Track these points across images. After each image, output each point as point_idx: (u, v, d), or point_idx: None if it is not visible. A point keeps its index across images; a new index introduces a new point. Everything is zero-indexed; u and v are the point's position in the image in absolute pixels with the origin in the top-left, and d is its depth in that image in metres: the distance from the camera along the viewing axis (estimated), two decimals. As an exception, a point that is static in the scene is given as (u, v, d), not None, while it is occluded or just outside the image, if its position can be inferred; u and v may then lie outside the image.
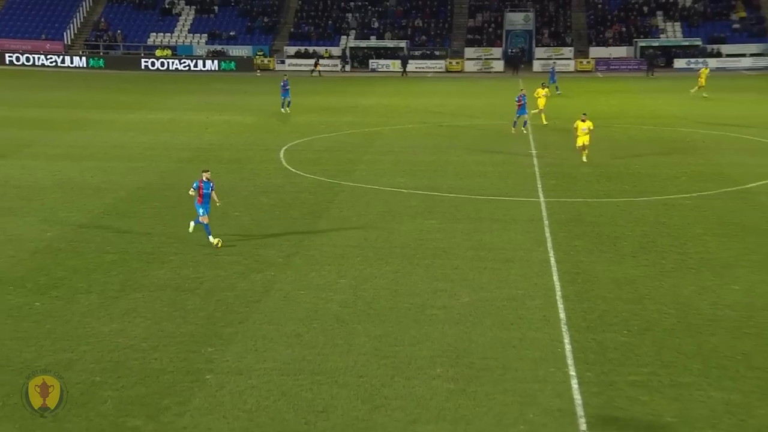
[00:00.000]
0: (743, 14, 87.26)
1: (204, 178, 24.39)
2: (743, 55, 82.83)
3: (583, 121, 36.46)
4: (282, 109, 53.58)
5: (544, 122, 47.56)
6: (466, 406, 15.31)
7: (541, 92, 48.55)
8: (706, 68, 65.27)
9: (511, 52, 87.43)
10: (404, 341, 18.04)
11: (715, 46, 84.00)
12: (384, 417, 14.90)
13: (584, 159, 36.56)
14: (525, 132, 44.27)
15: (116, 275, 22.43)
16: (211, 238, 24.31)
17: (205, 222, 24.21)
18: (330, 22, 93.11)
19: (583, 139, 36.32)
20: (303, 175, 35.00)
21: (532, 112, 46.50)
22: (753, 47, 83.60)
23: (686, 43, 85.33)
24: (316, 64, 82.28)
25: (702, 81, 60.45)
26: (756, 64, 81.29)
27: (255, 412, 15.09)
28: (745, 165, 35.76)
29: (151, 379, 16.10)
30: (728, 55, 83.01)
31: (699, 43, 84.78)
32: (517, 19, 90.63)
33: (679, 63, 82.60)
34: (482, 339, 18.24)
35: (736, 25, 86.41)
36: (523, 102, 43.97)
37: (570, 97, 62.29)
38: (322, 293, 21.05)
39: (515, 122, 44.56)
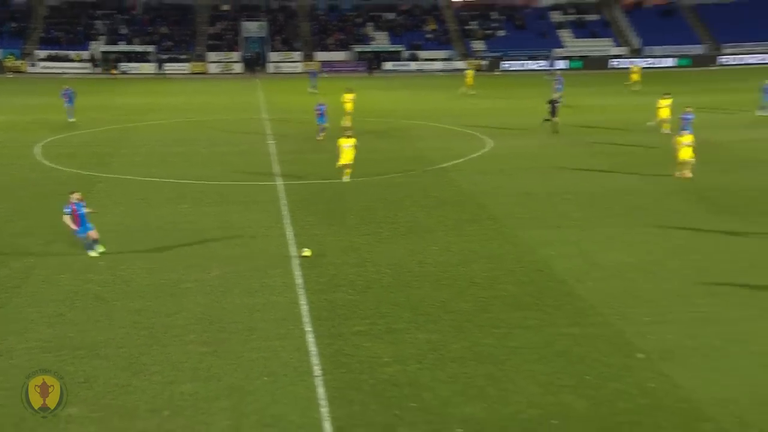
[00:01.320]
0: (434, 27, 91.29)
1: (75, 200, 21.11)
2: (436, 60, 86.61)
3: (348, 138, 30.51)
4: (70, 119, 46.44)
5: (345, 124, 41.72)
6: (217, 365, 15.10)
7: (348, 97, 44.49)
8: (471, 70, 67.87)
9: (249, 56, 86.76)
10: (161, 313, 17.53)
11: (414, 52, 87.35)
12: (143, 381, 14.41)
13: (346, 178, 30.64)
14: (320, 139, 38.73)
15: None
16: (98, 248, 21.32)
17: (95, 238, 21.20)
18: (80, 28, 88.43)
19: (347, 158, 30.20)
20: (60, 168, 33.09)
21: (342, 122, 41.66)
22: (442, 53, 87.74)
23: (392, 49, 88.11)
24: (112, 69, 79.11)
25: (469, 81, 62.96)
26: (446, 66, 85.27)
27: (18, 389, 14.09)
28: (440, 149, 37.35)
29: None
30: (424, 60, 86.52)
31: (402, 49, 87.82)
32: (253, 27, 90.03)
33: (387, 65, 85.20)
34: (231, 306, 18.05)
35: (429, 35, 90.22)
36: (321, 111, 39.25)
37: (302, 95, 62.75)
38: (82, 275, 20.01)
39: (320, 130, 39.17)
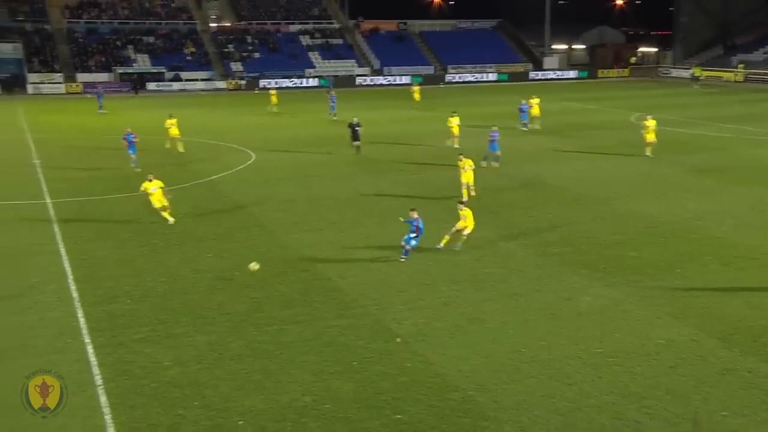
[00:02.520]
0: (193, 49, 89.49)
1: None
2: (197, 80, 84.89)
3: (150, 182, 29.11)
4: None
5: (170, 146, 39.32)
6: (-6, 384, 13.89)
7: (171, 122, 39.64)
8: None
9: (5, 77, 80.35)
10: (-71, 337, 15.83)
11: (175, 73, 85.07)
12: None
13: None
14: (138, 170, 32.15)
15: None
16: None
17: None
18: None
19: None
20: None
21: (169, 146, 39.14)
22: (204, 74, 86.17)
23: (155, 70, 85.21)
24: None
25: (273, 100, 60.10)
26: (207, 86, 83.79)
27: None
28: (206, 162, 36.62)
29: None
30: (187, 80, 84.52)
31: (164, 70, 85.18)
32: (7, 49, 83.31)
33: (151, 86, 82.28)
34: (5, 324, 16.71)
35: (189, 57, 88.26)
36: (129, 141, 33.61)
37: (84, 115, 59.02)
38: None
39: (132, 162, 33.43)
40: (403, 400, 13.45)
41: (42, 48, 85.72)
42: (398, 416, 12.95)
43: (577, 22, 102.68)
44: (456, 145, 38.61)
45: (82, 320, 16.95)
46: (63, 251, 22.12)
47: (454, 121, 40.68)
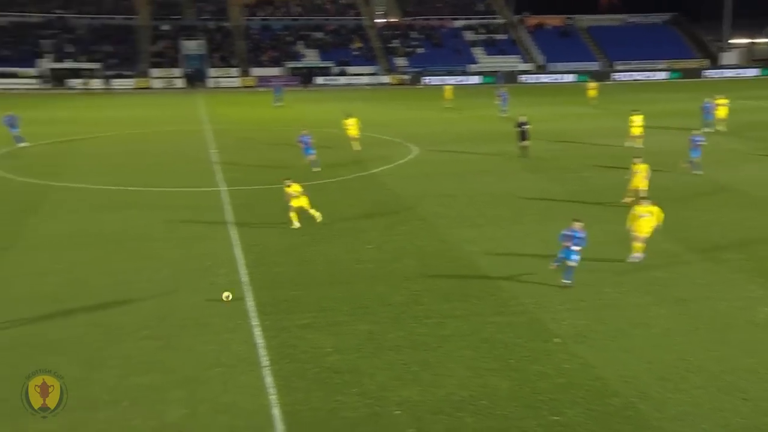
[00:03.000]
0: (360, 44, 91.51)
1: None
2: (363, 75, 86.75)
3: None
4: (19, 144, 40.59)
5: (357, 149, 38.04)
6: (171, 358, 14.82)
7: (350, 122, 38.71)
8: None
9: (190, 72, 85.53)
10: (115, 312, 17.11)
11: (342, 68, 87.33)
12: (102, 375, 14.07)
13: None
14: (317, 170, 32.50)
15: None
16: None
17: None
18: (26, 46, 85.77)
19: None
20: (14, 178, 32.04)
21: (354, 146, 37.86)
22: (369, 69, 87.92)
23: (323, 65, 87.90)
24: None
25: (448, 95, 60.50)
26: (372, 80, 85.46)
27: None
28: (370, 155, 37.24)
29: None
30: (353, 74, 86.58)
31: (331, 65, 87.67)
32: (192, 46, 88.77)
33: (319, 80, 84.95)
34: (182, 303, 17.73)
35: (355, 53, 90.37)
36: (305, 142, 33.15)
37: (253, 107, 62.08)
38: (39, 278, 19.42)
39: (311, 164, 32.90)
40: (560, 402, 13.16)
41: (222, 44, 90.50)
42: (555, 418, 12.68)
43: (762, 15, 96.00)
44: (638, 146, 36.47)
45: (250, 303, 17.71)
46: (234, 237, 23.22)
47: (637, 120, 37.98)
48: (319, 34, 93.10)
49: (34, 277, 19.44)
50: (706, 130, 40.94)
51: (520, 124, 36.15)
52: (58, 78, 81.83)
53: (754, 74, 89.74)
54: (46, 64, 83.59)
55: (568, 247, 18.30)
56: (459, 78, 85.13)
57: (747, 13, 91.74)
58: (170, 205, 27.29)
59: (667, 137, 40.48)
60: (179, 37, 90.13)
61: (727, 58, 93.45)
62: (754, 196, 27.99)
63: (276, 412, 12.86)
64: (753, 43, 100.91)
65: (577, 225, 18.55)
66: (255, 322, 16.61)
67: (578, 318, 16.74)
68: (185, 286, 18.85)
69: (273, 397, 13.33)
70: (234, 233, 23.62)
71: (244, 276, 19.62)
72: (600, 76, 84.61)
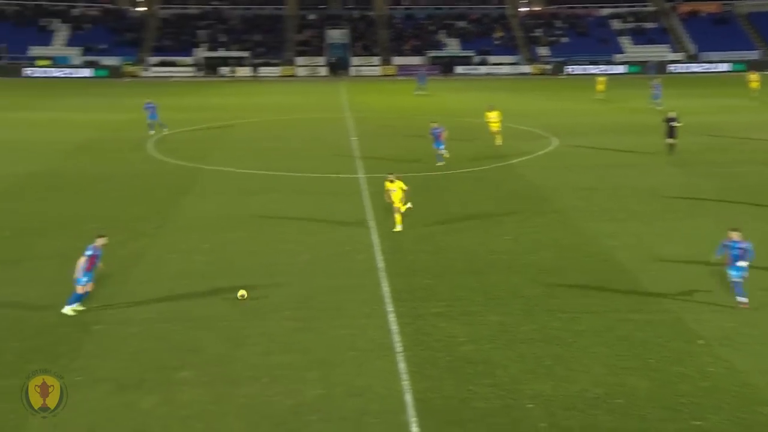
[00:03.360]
0: (501, 34, 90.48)
1: (99, 245, 16.43)
2: (504, 64, 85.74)
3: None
4: (151, 131, 41.25)
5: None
6: (309, 339, 15.24)
7: (492, 115, 36.88)
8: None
9: (333, 60, 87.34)
10: (258, 292, 17.75)
11: (483, 57, 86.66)
12: (244, 352, 14.66)
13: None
14: (440, 164, 31.53)
15: (12, 248, 21.05)
16: (77, 305, 16.32)
17: (88, 290, 16.30)
18: (185, 37, 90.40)
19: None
20: (169, 161, 33.81)
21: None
22: (510, 58, 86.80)
23: (463, 54, 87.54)
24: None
25: (600, 87, 58.27)
26: (512, 70, 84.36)
27: (137, 353, 14.57)
28: (508, 146, 36.77)
29: (48, 331, 15.20)
30: (493, 64, 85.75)
31: (472, 54, 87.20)
32: (336, 35, 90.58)
33: (459, 69, 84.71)
34: (320, 287, 18.18)
35: (497, 42, 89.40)
36: (436, 135, 31.71)
37: (365, 93, 62.83)
38: (188, 256, 20.46)
39: (437, 157, 31.88)
40: (703, 407, 12.59)
41: (365, 33, 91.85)
42: (697, 422, 12.15)
43: None
44: None
45: (386, 290, 17.95)
46: (372, 223, 23.57)
47: None
48: (461, 23, 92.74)
49: (184, 255, 20.48)
50: None
51: (669, 120, 33.89)
52: (210, 66, 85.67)
53: None
54: (201, 53, 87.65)
55: (732, 264, 16.28)
56: (603, 68, 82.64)
57: None
58: (311, 191, 28.02)
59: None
60: (324, 26, 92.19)
61: None
62: None
63: (408, 398, 12.99)
64: None
65: (735, 235, 16.43)
66: (390, 308, 16.83)
67: (725, 320, 15.95)
68: (324, 270, 19.32)
69: (406, 383, 13.48)
70: (371, 220, 23.97)
71: (380, 262, 19.90)
72: (760, 66, 79.73)
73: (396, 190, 22.38)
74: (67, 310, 16.10)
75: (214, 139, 40.43)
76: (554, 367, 14.04)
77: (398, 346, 14.90)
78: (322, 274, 19.09)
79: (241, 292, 17.12)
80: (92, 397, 12.95)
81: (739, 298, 16.42)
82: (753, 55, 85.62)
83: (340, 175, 30.66)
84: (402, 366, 14.12)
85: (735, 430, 11.95)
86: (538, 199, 26.62)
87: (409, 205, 22.89)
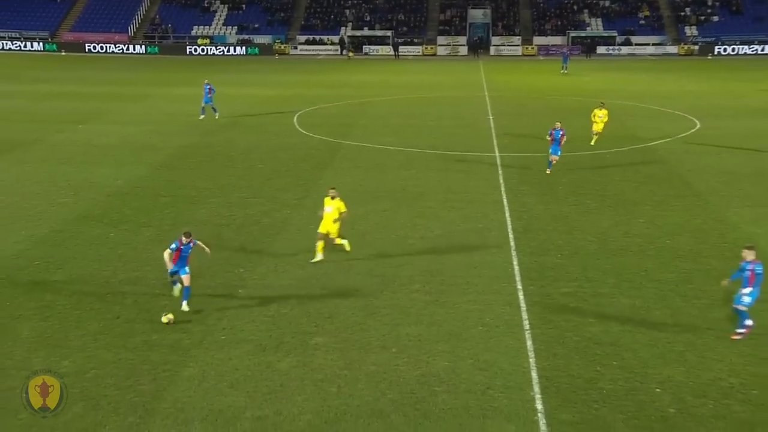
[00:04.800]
0: (647, 13, 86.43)
1: (185, 242, 15.47)
2: (648, 44, 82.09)
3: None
4: (201, 116, 38.45)
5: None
6: (438, 312, 15.32)
7: (600, 113, 31.79)
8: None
9: (474, 40, 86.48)
10: (391, 264, 18.01)
11: (626, 37, 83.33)
12: (375, 321, 14.92)
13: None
14: (548, 172, 26.75)
15: (169, 213, 22.27)
16: (185, 304, 15.40)
17: (187, 285, 15.39)
18: (332, 16, 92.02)
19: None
20: (312, 135, 34.63)
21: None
22: (655, 39, 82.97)
23: (606, 34, 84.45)
24: (349, 50, 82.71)
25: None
26: (657, 51, 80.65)
27: (276, 317, 15.11)
28: (647, 128, 35.51)
29: (196, 291, 16.01)
30: (637, 44, 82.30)
31: (615, 34, 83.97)
32: (478, 14, 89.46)
33: (601, 50, 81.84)
34: (451, 262, 18.21)
35: (642, 21, 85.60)
36: (556, 138, 26.61)
37: (517, 74, 61.80)
38: (328, 227, 20.91)
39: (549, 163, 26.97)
40: None
41: (507, 13, 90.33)
42: (838, 420, 11.39)
43: None
44: None
45: (516, 268, 17.78)
46: (505, 201, 23.33)
47: None
48: (605, 2, 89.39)
49: (324, 226, 20.97)
50: None
51: None
52: (355, 45, 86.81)
53: None
54: (347, 31, 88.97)
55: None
56: (756, 47, 77.57)
57: None
58: (447, 168, 28.00)
59: None
60: (467, 6, 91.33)
61: None
62: None
63: (534, 374, 12.87)
64: None
65: (749, 254, 13.86)
66: (519, 286, 16.66)
67: None
68: (456, 246, 19.32)
69: (532, 360, 13.35)
70: (506, 198, 23.72)
71: (512, 241, 19.70)
72: None
73: (332, 210, 18.12)
74: (184, 306, 15.34)
75: (355, 115, 41.05)
76: (686, 354, 13.51)
77: (526, 324, 14.75)
78: (453, 249, 19.10)
79: (168, 318, 14.72)
80: (234, 355, 13.58)
81: (740, 330, 14.04)
82: None
83: (476, 153, 30.44)
84: (529, 343, 14.00)
85: None
86: (677, 182, 25.50)
87: (344, 242, 18.57)
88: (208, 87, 38.68)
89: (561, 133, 26.63)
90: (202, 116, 38.53)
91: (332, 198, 18.32)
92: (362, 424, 11.50)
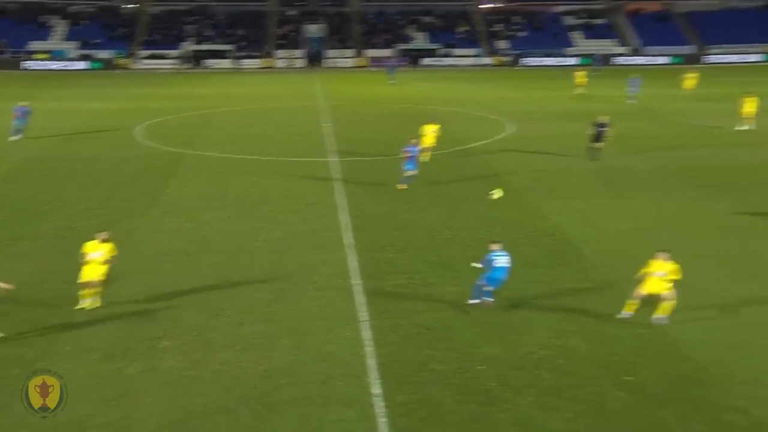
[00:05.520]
0: (465, 28, 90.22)
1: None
2: (466, 56, 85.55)
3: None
4: (12, 137, 34.19)
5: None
6: (281, 310, 15.23)
7: (430, 128, 29.63)
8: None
9: (310, 53, 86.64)
10: (235, 266, 17.72)
11: (448, 50, 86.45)
12: (220, 322, 14.62)
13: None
14: (401, 187, 25.10)
15: (10, 228, 20.74)
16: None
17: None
18: (174, 31, 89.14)
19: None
20: (156, 146, 33.37)
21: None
22: (472, 51, 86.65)
23: (430, 47, 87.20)
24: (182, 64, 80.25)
25: (580, 80, 53.54)
26: (474, 62, 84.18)
27: (123, 324, 14.43)
28: (468, 131, 36.78)
29: (38, 306, 14.96)
30: (457, 56, 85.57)
31: (439, 47, 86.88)
32: (313, 29, 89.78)
33: (427, 60, 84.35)
34: (293, 262, 18.15)
35: (460, 36, 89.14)
36: (412, 154, 25.04)
37: (352, 84, 62.47)
38: (173, 235, 20.28)
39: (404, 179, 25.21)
40: (634, 364, 12.85)
41: (340, 28, 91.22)
42: (629, 378, 12.39)
43: None
44: (747, 127, 35.42)
45: (354, 264, 17.96)
46: (342, 203, 23.50)
47: (750, 102, 35.73)
48: (428, 18, 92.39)
49: (170, 234, 20.31)
50: None
51: (599, 125, 29.54)
52: (196, 58, 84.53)
53: None
54: (188, 46, 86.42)
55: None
56: (557, 59, 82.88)
57: None
58: (287, 173, 27.82)
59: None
60: (303, 21, 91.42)
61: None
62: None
63: (371, 362, 13.06)
64: None
65: (495, 247, 15.31)
66: (357, 281, 16.84)
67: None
68: (296, 247, 19.27)
69: (369, 349, 13.54)
70: (342, 200, 23.90)
71: (349, 239, 19.88)
72: (692, 59, 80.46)
73: (102, 254, 15.21)
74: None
75: (198, 126, 39.95)
76: (504, 332, 14.17)
77: (363, 316, 14.94)
78: (295, 250, 19.04)
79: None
80: (81, 364, 12.87)
81: (477, 300, 15.35)
82: (688, 49, 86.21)
83: (314, 159, 30.49)
84: (367, 334, 14.18)
85: (661, 382, 12.21)
86: (494, 179, 26.65)
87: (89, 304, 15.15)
88: (23, 110, 34.57)
89: (417, 149, 25.60)
90: (18, 137, 34.11)
91: (102, 241, 15.35)
92: (210, 421, 11.24)
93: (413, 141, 25.88)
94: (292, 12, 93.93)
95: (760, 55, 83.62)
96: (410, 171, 24.97)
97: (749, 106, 36.01)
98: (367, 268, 17.64)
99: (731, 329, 14.16)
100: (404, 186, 24.99)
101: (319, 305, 15.42)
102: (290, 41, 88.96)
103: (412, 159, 25.02)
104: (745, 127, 35.65)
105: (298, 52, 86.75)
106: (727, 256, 18.31)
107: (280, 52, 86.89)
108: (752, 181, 25.79)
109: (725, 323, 14.44)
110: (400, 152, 25.49)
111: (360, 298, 15.80)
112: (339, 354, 13.33)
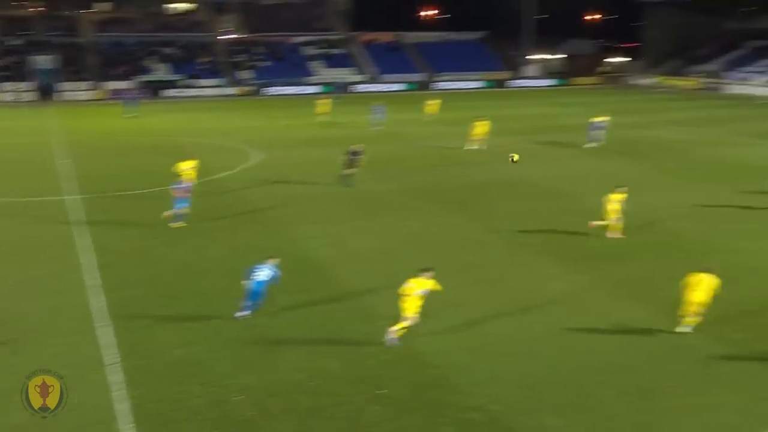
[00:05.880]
0: (207, 59, 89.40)
1: None
2: (209, 87, 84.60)
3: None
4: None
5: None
6: (20, 361, 13.89)
7: (185, 165, 26.70)
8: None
9: (42, 85, 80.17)
10: (-39, 320, 15.83)
11: (191, 80, 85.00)
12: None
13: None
14: (174, 225, 23.67)
15: None
16: None
17: None
18: None
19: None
20: None
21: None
22: (215, 81, 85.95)
23: (172, 78, 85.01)
24: None
25: (322, 108, 53.76)
26: (218, 92, 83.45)
27: None
28: (214, 162, 35.80)
29: None
30: (200, 87, 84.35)
31: (181, 77, 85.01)
32: (43, 60, 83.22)
33: (170, 92, 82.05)
34: (31, 308, 16.71)
35: (203, 67, 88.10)
36: (184, 190, 24.05)
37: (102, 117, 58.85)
38: None
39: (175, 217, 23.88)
40: (385, 377, 13.49)
41: (74, 59, 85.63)
42: (381, 391, 12.98)
43: (557, 35, 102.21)
44: (477, 147, 39.25)
45: (102, 304, 16.91)
46: (86, 242, 22.03)
47: (481, 125, 39.99)
48: (169, 50, 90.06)
49: None
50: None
51: (352, 153, 30.29)
52: None
53: (550, 84, 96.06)
54: None
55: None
56: (299, 88, 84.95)
57: (546, 33, 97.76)
58: (19, 214, 25.52)
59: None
60: (29, 52, 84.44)
61: (527, 71, 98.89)
62: (548, 188, 29.76)
63: (123, 406, 12.39)
64: (548, 58, 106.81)
65: (271, 261, 16.29)
66: (104, 323, 15.88)
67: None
68: (34, 292, 17.74)
69: (120, 393, 12.85)
70: (86, 238, 22.42)
71: (95, 279, 18.70)
72: (424, 86, 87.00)
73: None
74: None
75: None
76: (259, 360, 14.17)
77: (112, 359, 14.11)
78: (32, 296, 17.50)
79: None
80: None
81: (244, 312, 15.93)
82: (420, 77, 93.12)
83: (53, 198, 28.26)
84: (118, 377, 13.43)
85: (409, 391, 12.96)
86: (245, 208, 26.64)
87: None
88: None
89: (189, 185, 24.49)
90: None
91: None
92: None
93: (182, 178, 24.90)
94: (16, 42, 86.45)
95: (480, 82, 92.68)
96: (183, 208, 23.87)
97: (480, 129, 40.35)
98: (116, 308, 16.70)
99: (470, 334, 15.41)
100: (180, 224, 23.69)
101: (63, 353, 14.30)
102: (16, 73, 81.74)
103: (185, 195, 23.92)
104: (475, 147, 39.45)
105: (25, 85, 79.93)
106: (465, 266, 19.88)
107: (6, 85, 79.46)
108: (483, 197, 28.30)
109: (464, 329, 15.67)
110: (170, 189, 24.36)
111: (107, 340, 14.91)
112: (87, 401, 12.47)
